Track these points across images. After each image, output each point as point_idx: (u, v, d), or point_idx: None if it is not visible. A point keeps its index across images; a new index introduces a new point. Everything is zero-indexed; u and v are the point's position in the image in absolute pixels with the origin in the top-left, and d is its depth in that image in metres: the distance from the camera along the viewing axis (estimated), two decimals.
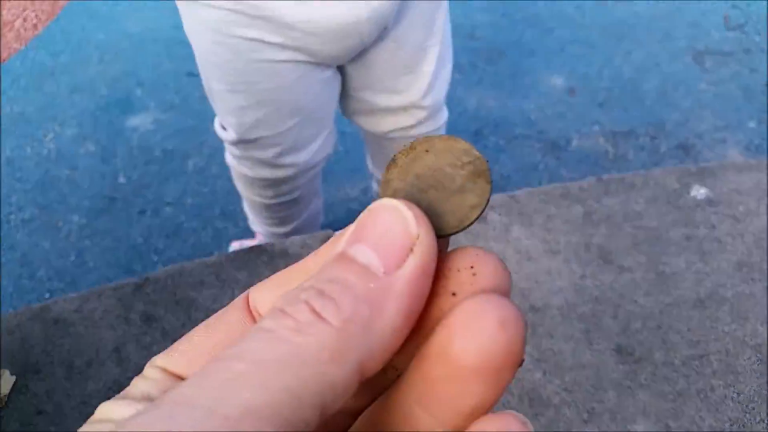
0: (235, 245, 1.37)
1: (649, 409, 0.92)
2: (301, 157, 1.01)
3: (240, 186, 1.14)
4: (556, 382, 0.95)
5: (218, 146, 1.08)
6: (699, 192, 1.19)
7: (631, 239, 1.12)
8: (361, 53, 0.90)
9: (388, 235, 0.15)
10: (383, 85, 0.96)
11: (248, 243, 1.31)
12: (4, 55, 1.95)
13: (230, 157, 1.08)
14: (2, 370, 1.12)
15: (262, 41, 0.82)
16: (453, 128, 1.12)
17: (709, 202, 1.17)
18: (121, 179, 1.59)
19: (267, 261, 1.08)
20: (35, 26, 2.11)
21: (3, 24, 2.09)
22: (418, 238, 0.15)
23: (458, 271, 0.16)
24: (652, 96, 1.87)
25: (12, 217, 1.50)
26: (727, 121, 1.78)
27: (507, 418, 0.14)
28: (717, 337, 0.98)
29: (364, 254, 0.15)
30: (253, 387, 0.13)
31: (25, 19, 2.18)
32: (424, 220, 0.16)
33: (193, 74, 0.91)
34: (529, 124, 1.79)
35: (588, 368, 0.97)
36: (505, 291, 0.16)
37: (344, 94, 1.01)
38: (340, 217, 1.51)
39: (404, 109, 0.99)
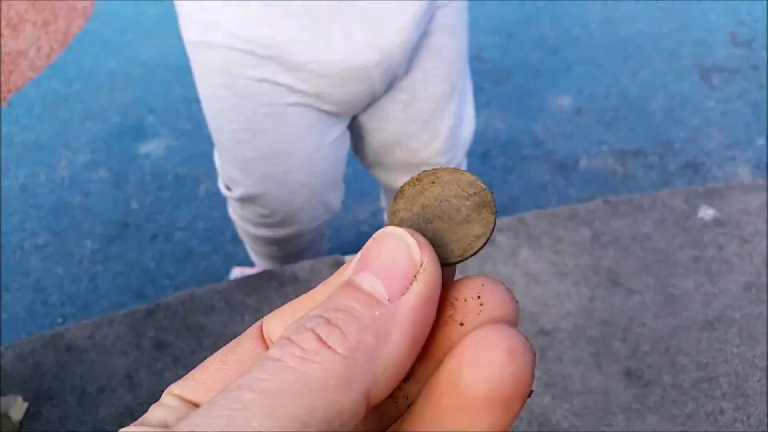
0: (236, 272, 1.38)
1: None
2: (306, 217, 0.98)
3: (242, 236, 1.11)
4: (565, 406, 0.95)
5: None
6: (707, 213, 1.19)
7: (639, 261, 1.12)
8: (373, 104, 0.88)
9: (392, 262, 0.16)
10: (398, 140, 0.94)
11: (249, 271, 1.31)
12: (20, 83, 1.99)
13: (233, 212, 1.05)
14: (15, 397, 1.14)
15: (272, 82, 0.80)
16: None
17: (717, 222, 1.17)
18: (134, 205, 1.62)
19: (276, 286, 1.09)
20: (48, 55, 2.16)
21: (18, 53, 2.13)
22: (422, 265, 0.16)
23: (465, 300, 0.16)
24: (660, 115, 1.87)
25: (26, 243, 1.52)
26: (735, 138, 1.78)
27: None
28: (726, 359, 0.97)
29: (370, 282, 0.15)
30: (261, 416, 0.13)
31: (38, 49, 2.24)
32: (428, 248, 0.16)
33: None
34: (536, 144, 1.79)
35: (597, 392, 0.96)
36: (512, 320, 0.16)
37: (361, 146, 0.98)
38: (350, 240, 1.52)
39: (417, 166, 0.96)
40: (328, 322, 0.15)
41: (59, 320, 1.36)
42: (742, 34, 2.15)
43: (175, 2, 0.82)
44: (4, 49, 2.16)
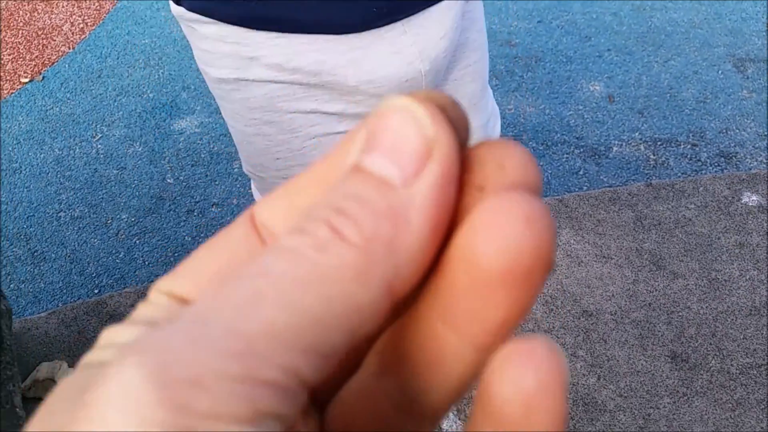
0: None
1: (707, 417, 0.91)
2: None
3: None
4: (610, 387, 0.95)
5: None
6: (750, 199, 1.18)
7: (682, 245, 1.11)
8: None
9: (402, 140, 0.14)
10: None
11: None
12: (54, 58, 2.00)
13: None
14: (61, 362, 1.15)
15: (321, 112, 0.78)
16: None
17: (761, 208, 1.16)
18: (169, 179, 1.63)
19: None
20: (82, 30, 2.16)
21: (52, 28, 2.14)
22: (436, 139, 0.14)
23: (483, 164, 0.14)
24: (692, 104, 1.86)
25: (62, 214, 1.54)
26: None
27: (534, 344, 0.12)
28: None
29: (380, 164, 0.14)
30: (275, 306, 0.12)
31: (72, 24, 2.24)
32: (440, 117, 0.14)
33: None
34: (567, 130, 1.79)
35: (643, 374, 0.96)
36: (535, 188, 0.14)
37: None
38: None
39: None
40: (341, 211, 0.13)
41: (96, 291, 1.37)
42: None
43: (195, 43, 0.77)
44: (38, 24, 2.16)
